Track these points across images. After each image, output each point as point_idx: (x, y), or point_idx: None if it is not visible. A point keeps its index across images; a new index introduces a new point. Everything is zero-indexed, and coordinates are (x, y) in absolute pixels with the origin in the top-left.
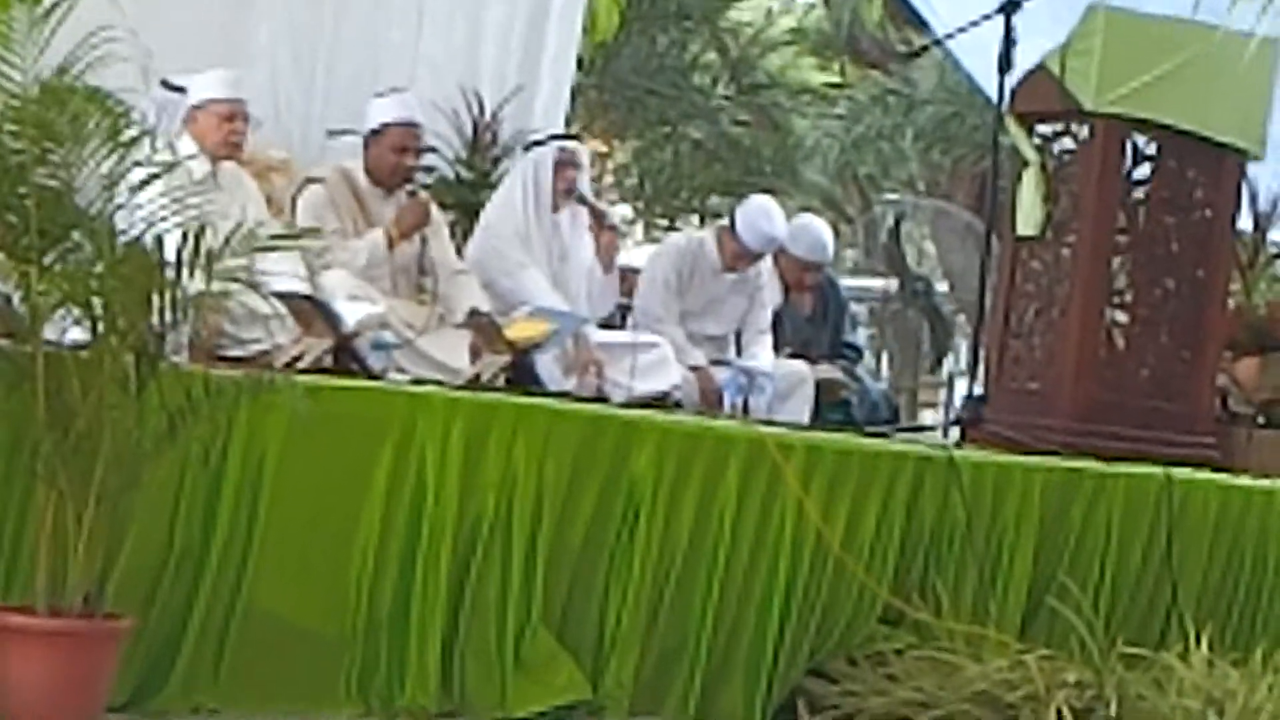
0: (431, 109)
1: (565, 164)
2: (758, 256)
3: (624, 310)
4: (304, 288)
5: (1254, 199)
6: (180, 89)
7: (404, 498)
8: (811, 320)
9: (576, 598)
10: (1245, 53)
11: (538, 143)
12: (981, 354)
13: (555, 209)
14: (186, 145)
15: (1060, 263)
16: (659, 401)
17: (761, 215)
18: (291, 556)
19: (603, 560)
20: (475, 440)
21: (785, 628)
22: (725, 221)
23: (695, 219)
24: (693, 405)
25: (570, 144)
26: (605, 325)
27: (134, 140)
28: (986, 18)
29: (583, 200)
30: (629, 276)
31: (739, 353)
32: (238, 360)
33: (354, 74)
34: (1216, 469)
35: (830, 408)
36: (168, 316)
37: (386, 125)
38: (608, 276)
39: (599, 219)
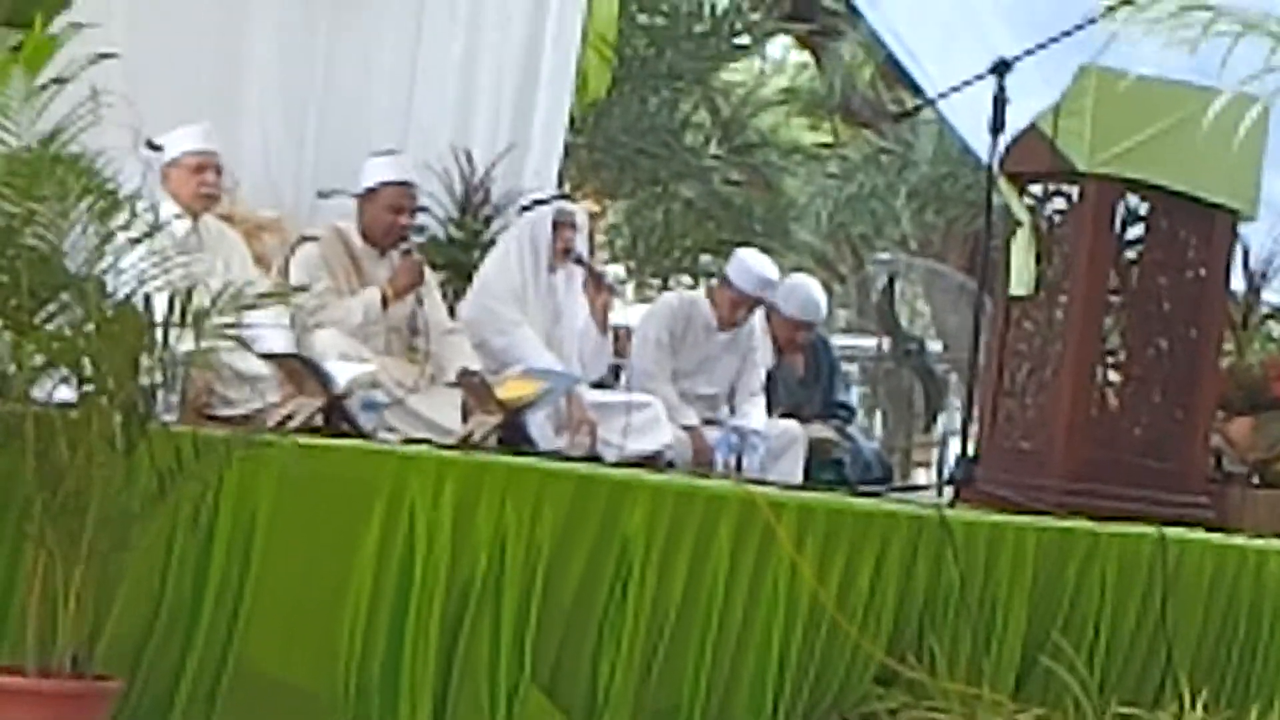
0: (423, 169)
1: (564, 225)
2: (755, 303)
3: (616, 370)
4: (292, 346)
5: (1246, 259)
6: (160, 148)
7: (395, 557)
8: (804, 380)
9: (568, 658)
10: (1236, 114)
11: (537, 202)
12: (974, 413)
13: (552, 269)
14: (167, 204)
15: (1053, 322)
16: (651, 461)
17: (750, 259)
18: (282, 616)
19: (595, 620)
20: (466, 500)
21: (779, 688)
22: (716, 281)
23: (687, 278)
24: (685, 465)
25: (568, 205)
26: (598, 385)
27: (119, 203)
28: (979, 78)
29: (580, 261)
30: (621, 335)
31: (732, 411)
32: (228, 420)
33: (345, 134)
34: (1211, 529)
35: (823, 467)
36: (157, 376)
37: (381, 185)
38: (602, 337)
39: (596, 280)
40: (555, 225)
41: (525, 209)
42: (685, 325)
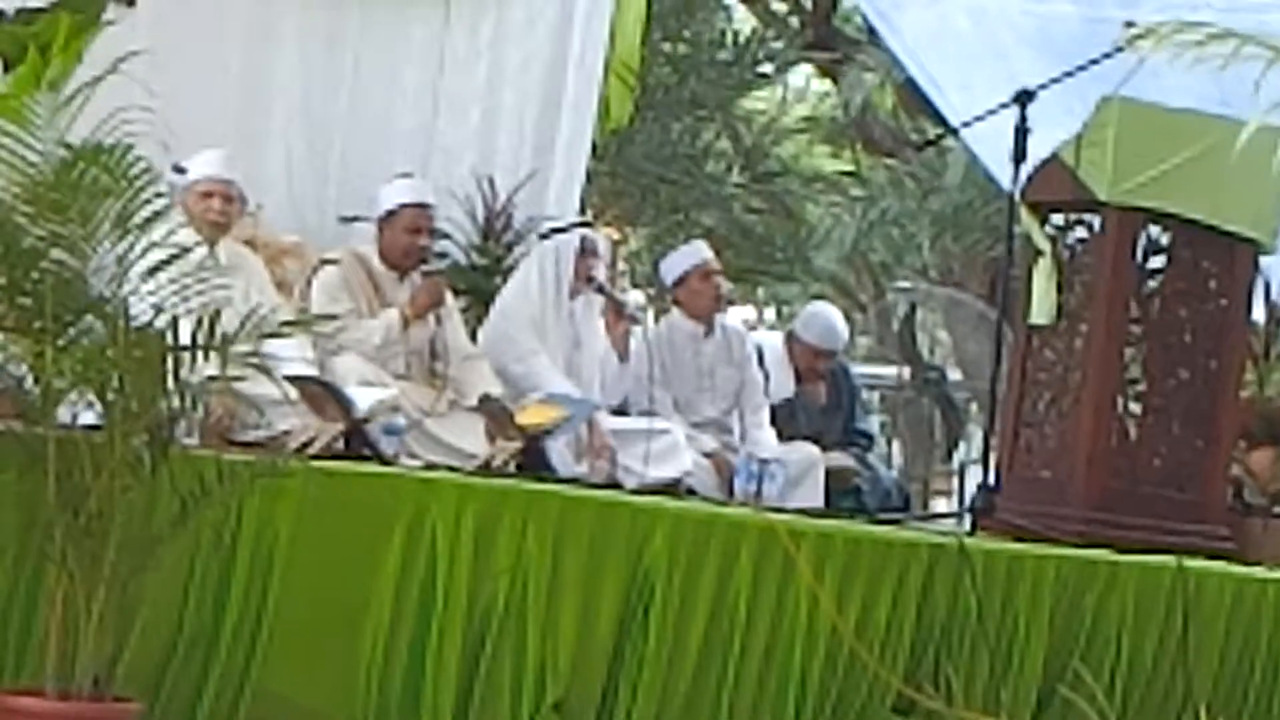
0: (445, 195)
1: (586, 252)
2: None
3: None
4: (313, 370)
5: (1267, 290)
6: (185, 171)
7: (415, 583)
8: (824, 408)
9: (589, 684)
10: (1259, 145)
11: (558, 229)
12: (994, 442)
13: (572, 296)
14: (188, 229)
15: (1073, 352)
16: (671, 488)
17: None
18: (302, 641)
19: (615, 646)
20: (487, 526)
21: (798, 715)
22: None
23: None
24: (707, 491)
25: (590, 232)
26: (617, 412)
27: (150, 219)
28: (1002, 107)
29: (601, 289)
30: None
31: (742, 437)
32: (249, 444)
33: (368, 159)
34: (1230, 559)
35: (841, 495)
36: (180, 400)
37: (400, 207)
38: (622, 365)
39: (616, 308)
40: (578, 253)
41: (546, 235)
42: (670, 350)
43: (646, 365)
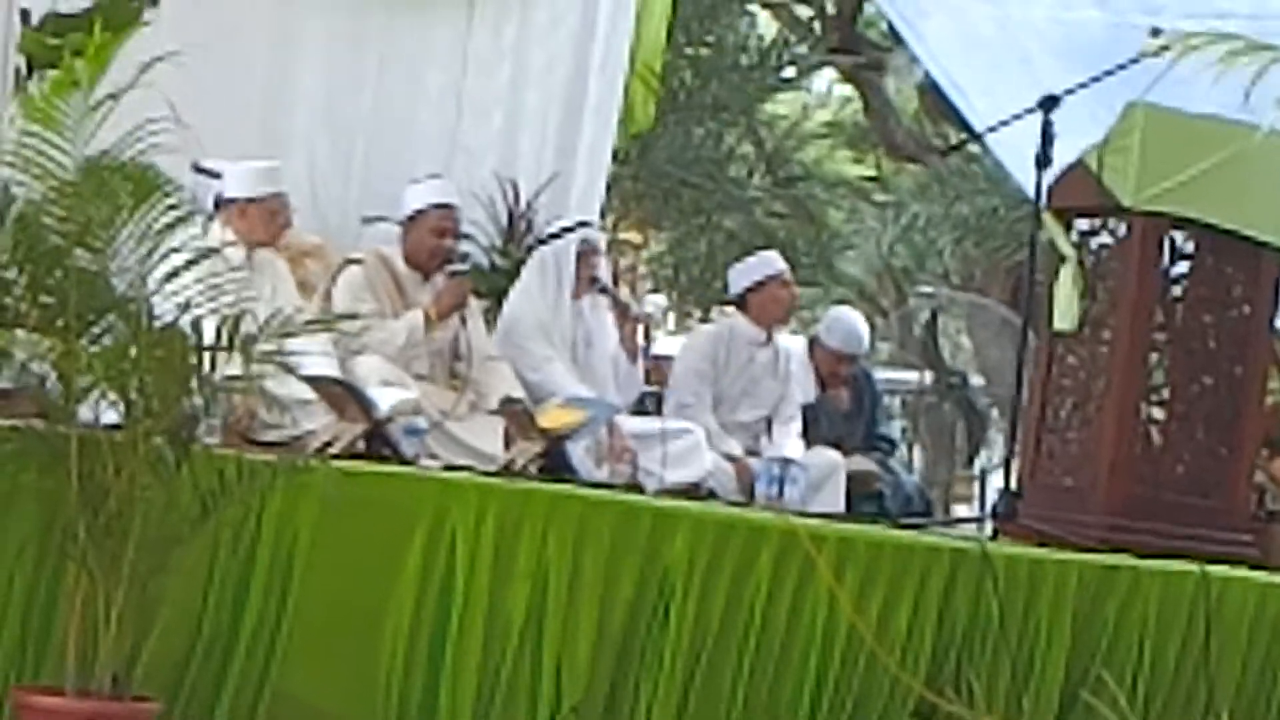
0: (468, 197)
1: (588, 253)
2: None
3: (657, 400)
4: (335, 371)
5: None
6: (211, 173)
7: (435, 584)
8: (846, 413)
9: (608, 686)
10: None
11: (557, 233)
12: (1017, 448)
13: (577, 297)
14: (222, 232)
15: (1097, 359)
16: (692, 491)
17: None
18: (321, 642)
19: (634, 650)
20: (508, 528)
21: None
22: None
23: (730, 310)
24: (728, 494)
25: (592, 233)
26: (636, 413)
27: (171, 225)
28: (1027, 112)
29: (604, 290)
30: (661, 365)
31: (769, 439)
32: (270, 444)
33: (391, 161)
34: (1254, 567)
35: (863, 500)
36: (201, 400)
37: (426, 208)
38: (632, 366)
39: (622, 309)
40: (580, 254)
41: (545, 240)
42: (727, 351)
43: (694, 359)
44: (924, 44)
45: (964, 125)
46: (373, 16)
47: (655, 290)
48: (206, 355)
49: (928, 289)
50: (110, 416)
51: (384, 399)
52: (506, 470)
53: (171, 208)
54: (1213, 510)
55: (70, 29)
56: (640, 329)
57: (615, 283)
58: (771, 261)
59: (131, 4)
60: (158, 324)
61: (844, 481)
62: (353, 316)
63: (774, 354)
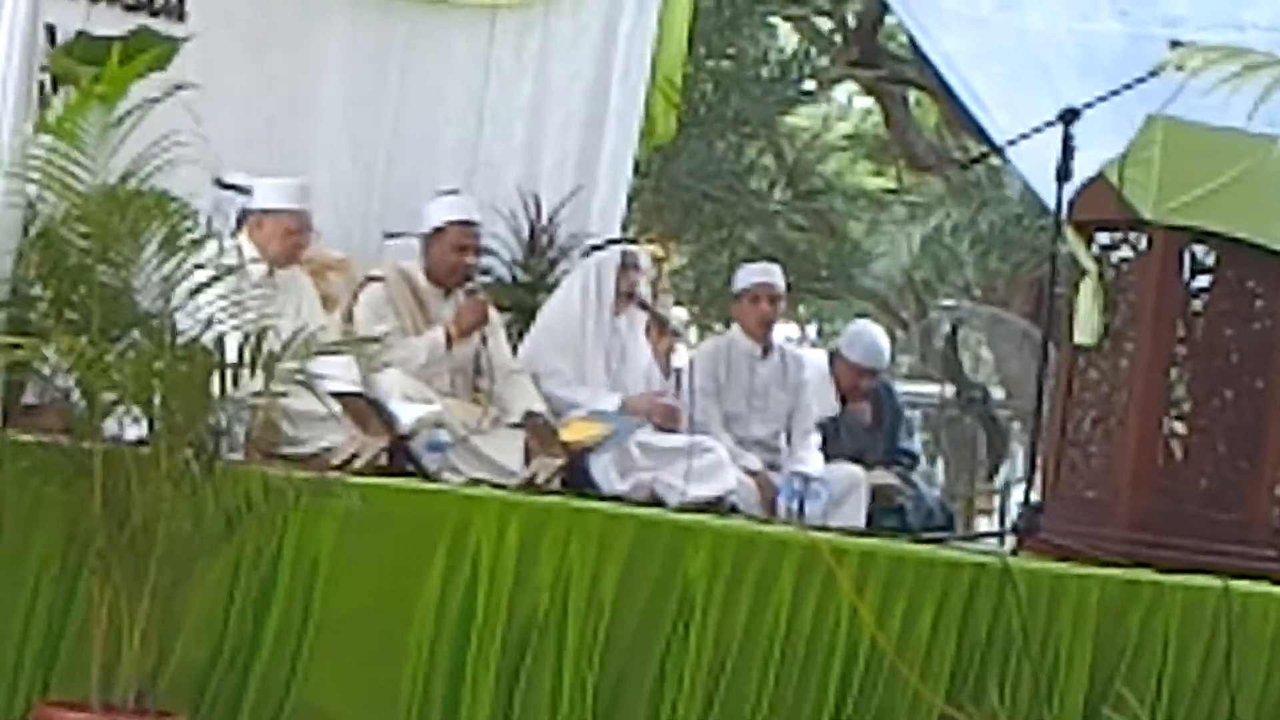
0: (489, 210)
1: (629, 268)
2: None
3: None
4: (357, 386)
5: None
6: (235, 187)
7: (457, 598)
8: (868, 427)
9: (629, 699)
10: None
11: (598, 246)
12: (1038, 462)
13: (616, 312)
14: (246, 247)
15: (1118, 372)
16: (714, 506)
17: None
18: (343, 656)
19: (655, 664)
20: (530, 542)
21: None
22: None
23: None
24: (750, 509)
25: (633, 248)
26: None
27: (195, 243)
28: (1049, 124)
29: (644, 305)
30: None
31: (789, 454)
32: (293, 459)
33: (413, 175)
34: (1276, 581)
35: (884, 514)
36: (225, 415)
37: (447, 224)
38: (665, 381)
39: (659, 324)
40: (620, 269)
41: (588, 252)
42: (727, 366)
43: (699, 378)
44: (944, 56)
45: (984, 138)
46: (394, 30)
47: (677, 303)
48: (230, 372)
49: (949, 302)
50: (134, 432)
51: (406, 414)
52: (528, 484)
53: (188, 230)
54: (1234, 524)
55: (100, 57)
56: (675, 344)
57: (656, 299)
58: (760, 272)
59: (163, 39)
60: (181, 340)
61: (866, 496)
62: (375, 340)
63: (780, 365)
